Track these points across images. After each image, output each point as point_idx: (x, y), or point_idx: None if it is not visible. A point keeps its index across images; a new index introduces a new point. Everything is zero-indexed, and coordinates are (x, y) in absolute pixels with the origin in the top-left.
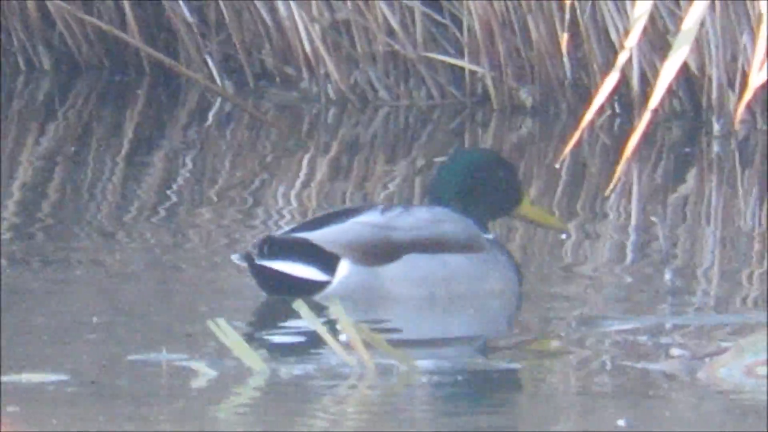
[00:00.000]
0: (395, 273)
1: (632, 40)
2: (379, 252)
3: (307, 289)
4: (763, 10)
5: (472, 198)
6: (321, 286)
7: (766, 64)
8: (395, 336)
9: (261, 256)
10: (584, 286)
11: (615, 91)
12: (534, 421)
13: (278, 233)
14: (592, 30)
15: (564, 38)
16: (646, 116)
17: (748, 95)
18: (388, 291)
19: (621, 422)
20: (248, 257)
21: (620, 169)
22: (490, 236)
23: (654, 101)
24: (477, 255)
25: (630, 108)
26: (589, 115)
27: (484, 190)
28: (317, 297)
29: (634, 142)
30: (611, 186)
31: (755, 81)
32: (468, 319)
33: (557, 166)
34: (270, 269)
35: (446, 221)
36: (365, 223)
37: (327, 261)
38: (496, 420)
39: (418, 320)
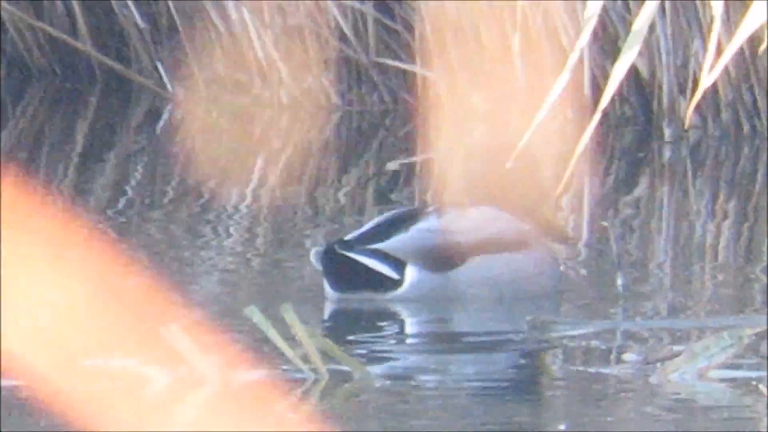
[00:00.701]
0: (465, 277)
1: (583, 41)
2: (446, 257)
3: (380, 287)
4: (715, 13)
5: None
6: (393, 285)
7: (717, 66)
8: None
9: (345, 249)
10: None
11: (567, 96)
12: (481, 425)
13: (349, 241)
14: (544, 35)
15: (515, 41)
16: (596, 118)
17: (697, 97)
18: (459, 294)
19: (562, 427)
20: (329, 251)
21: (568, 172)
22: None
23: (604, 102)
24: (531, 252)
25: (581, 113)
26: (539, 117)
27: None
28: (387, 297)
29: (583, 144)
30: (559, 189)
31: (705, 82)
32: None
33: (508, 165)
34: (350, 262)
35: (498, 220)
36: (426, 229)
37: (399, 265)
38: (444, 425)
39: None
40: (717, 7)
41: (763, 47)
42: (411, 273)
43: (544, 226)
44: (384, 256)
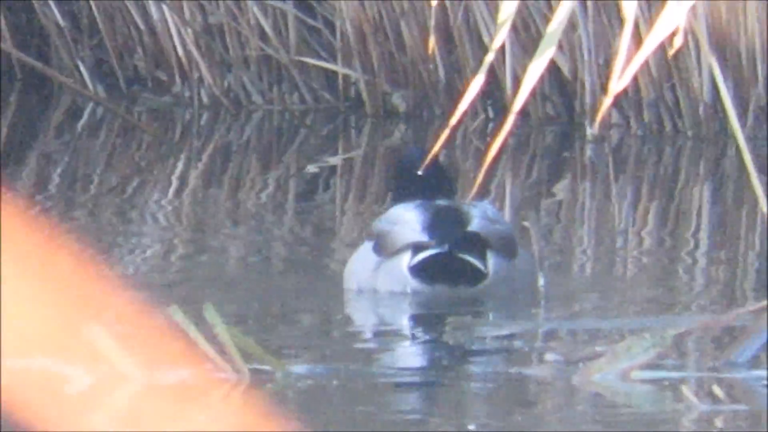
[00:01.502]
0: (522, 265)
1: (498, 41)
2: (508, 245)
3: (471, 281)
4: (628, 15)
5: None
6: (482, 278)
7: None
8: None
9: (456, 249)
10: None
11: (488, 95)
12: (402, 424)
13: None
14: (464, 34)
15: (431, 41)
16: (511, 118)
17: (607, 102)
18: (518, 284)
19: (471, 427)
20: (445, 253)
21: (483, 171)
22: None
23: (519, 101)
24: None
25: (503, 112)
26: (455, 116)
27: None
28: (475, 290)
29: (498, 143)
30: (474, 189)
31: (616, 87)
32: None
33: (419, 173)
34: (463, 260)
35: (499, 214)
36: (487, 218)
37: (483, 255)
38: (364, 424)
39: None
40: (630, 10)
41: (673, 50)
42: (492, 261)
43: None
44: (475, 248)
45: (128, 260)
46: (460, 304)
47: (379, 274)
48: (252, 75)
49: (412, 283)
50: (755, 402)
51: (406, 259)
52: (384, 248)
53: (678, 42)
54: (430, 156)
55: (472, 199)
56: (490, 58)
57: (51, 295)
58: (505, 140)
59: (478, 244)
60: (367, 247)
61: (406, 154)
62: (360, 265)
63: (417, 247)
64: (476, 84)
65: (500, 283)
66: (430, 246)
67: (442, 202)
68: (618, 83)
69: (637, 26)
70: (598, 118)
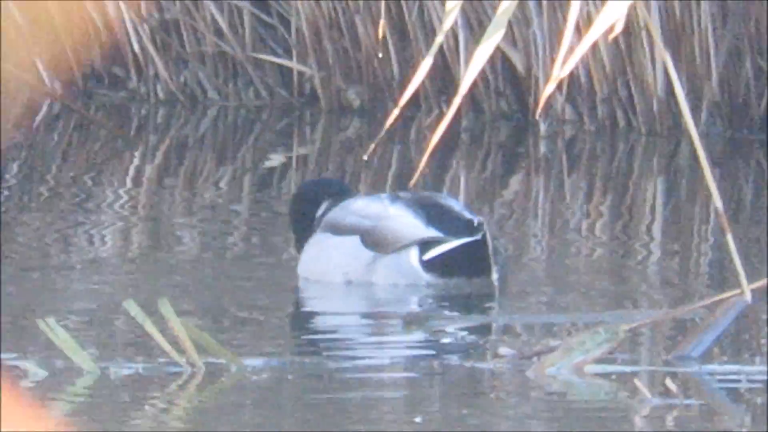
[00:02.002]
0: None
1: (443, 33)
2: (493, 239)
3: (482, 272)
4: (572, 6)
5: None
6: (491, 270)
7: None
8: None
9: (479, 235)
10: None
11: (442, 92)
12: (348, 418)
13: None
14: (419, 30)
15: (381, 25)
16: (455, 103)
17: (546, 92)
18: (500, 278)
19: (417, 419)
20: (476, 241)
21: (422, 164)
22: None
23: (464, 87)
24: None
25: (458, 108)
26: (396, 110)
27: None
28: (490, 279)
29: (440, 133)
30: (414, 179)
31: (557, 75)
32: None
33: (365, 158)
34: (486, 253)
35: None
36: (470, 210)
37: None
38: (314, 420)
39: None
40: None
41: (612, 35)
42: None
43: None
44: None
45: (84, 253)
46: (425, 297)
47: (378, 268)
48: (208, 71)
49: (426, 277)
50: (708, 396)
51: (414, 254)
52: (380, 244)
53: (619, 27)
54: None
55: (413, 186)
56: (439, 40)
57: (6, 288)
58: (458, 134)
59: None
60: (341, 240)
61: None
62: (349, 259)
63: (426, 243)
64: (420, 74)
65: (503, 273)
66: (443, 240)
67: (404, 193)
68: (561, 70)
69: (589, 17)
70: (541, 103)
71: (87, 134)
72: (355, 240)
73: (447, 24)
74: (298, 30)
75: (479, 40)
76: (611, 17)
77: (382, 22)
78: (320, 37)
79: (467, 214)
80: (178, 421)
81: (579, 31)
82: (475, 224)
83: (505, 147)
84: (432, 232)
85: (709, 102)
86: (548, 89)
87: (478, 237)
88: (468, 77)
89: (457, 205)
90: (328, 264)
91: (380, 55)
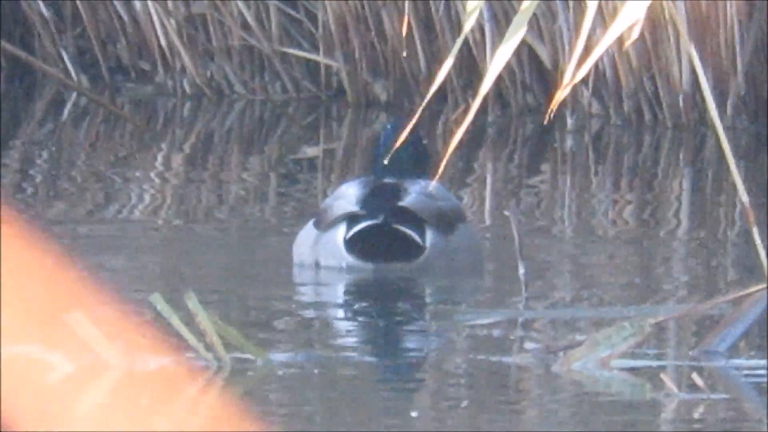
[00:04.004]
0: (458, 241)
1: (468, 25)
2: (445, 221)
3: (407, 255)
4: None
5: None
6: (419, 252)
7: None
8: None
9: (391, 221)
10: (439, 280)
11: (469, 86)
12: (374, 413)
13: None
14: (445, 24)
15: (405, 23)
16: (476, 104)
17: (563, 93)
18: (454, 258)
19: (414, 414)
20: (378, 223)
21: (446, 158)
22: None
23: (484, 88)
24: (473, 226)
25: (485, 102)
26: (428, 97)
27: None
28: (413, 264)
29: (464, 128)
30: (440, 171)
31: (572, 79)
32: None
33: (385, 162)
34: (394, 232)
35: (449, 194)
36: (423, 194)
37: (421, 230)
38: (342, 414)
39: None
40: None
41: (628, 43)
42: (429, 235)
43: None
44: (410, 223)
45: (111, 247)
46: (441, 289)
47: (319, 248)
48: (234, 65)
49: (348, 259)
50: (734, 390)
51: (341, 232)
52: (322, 221)
53: (635, 34)
54: (403, 134)
55: (436, 180)
56: (461, 40)
57: (33, 282)
58: (485, 129)
59: (413, 218)
60: (310, 222)
61: (384, 132)
62: (302, 240)
63: (351, 219)
64: (445, 69)
65: (437, 258)
66: (363, 217)
67: (388, 179)
68: (577, 75)
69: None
70: (553, 106)
71: (113, 128)
72: (310, 222)
73: (468, 24)
74: (325, 24)
75: (505, 32)
76: (628, 21)
77: (405, 19)
78: (347, 30)
79: (410, 198)
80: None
81: (606, 26)
82: (397, 209)
83: (531, 141)
84: (354, 209)
85: (734, 96)
86: (561, 95)
87: (379, 221)
88: (488, 78)
89: (417, 190)
90: (294, 247)
91: (405, 53)
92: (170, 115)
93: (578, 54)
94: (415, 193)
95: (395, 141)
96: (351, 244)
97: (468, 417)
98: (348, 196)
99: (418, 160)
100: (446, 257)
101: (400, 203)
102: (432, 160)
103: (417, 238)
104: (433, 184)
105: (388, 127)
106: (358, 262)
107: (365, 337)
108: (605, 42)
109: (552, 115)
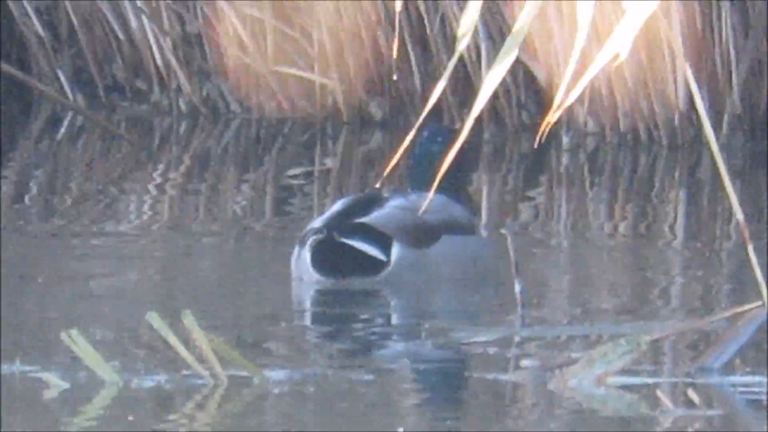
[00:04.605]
0: (439, 253)
1: (462, 45)
2: (423, 234)
3: (368, 270)
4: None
5: (453, 177)
6: (381, 266)
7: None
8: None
9: (340, 235)
10: (434, 298)
11: (464, 105)
12: (370, 430)
13: (339, 219)
14: (440, 43)
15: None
16: (467, 125)
17: (554, 115)
18: (434, 271)
19: (400, 429)
20: (328, 238)
21: (441, 174)
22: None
23: (478, 106)
24: (478, 236)
25: (480, 121)
26: (419, 121)
27: (459, 165)
28: (376, 279)
29: (457, 147)
30: (432, 189)
31: (563, 102)
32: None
33: (377, 186)
34: (343, 248)
35: (449, 205)
36: (401, 207)
37: (384, 244)
38: (339, 430)
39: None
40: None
41: (618, 62)
42: (396, 250)
43: (465, 198)
44: (371, 237)
45: (107, 265)
46: (441, 307)
47: (298, 264)
48: (230, 84)
49: (313, 275)
50: (730, 407)
51: (306, 248)
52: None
53: (624, 55)
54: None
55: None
56: (453, 62)
57: (30, 300)
58: (480, 147)
59: (374, 233)
60: None
61: (418, 142)
62: (293, 257)
63: (313, 235)
64: (439, 88)
65: (408, 273)
66: (318, 233)
67: (416, 192)
68: (568, 98)
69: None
70: (544, 127)
71: (110, 146)
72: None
73: (461, 47)
74: (320, 43)
75: (498, 46)
76: (616, 46)
77: (396, 40)
78: (342, 49)
79: (377, 213)
80: None
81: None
82: (355, 225)
83: (527, 159)
84: (318, 225)
85: (730, 115)
86: (552, 116)
87: (322, 236)
88: (480, 99)
89: (395, 204)
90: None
91: (395, 77)
92: (166, 134)
93: (570, 76)
94: (389, 207)
95: (429, 151)
96: (314, 259)
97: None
98: (327, 212)
99: (451, 171)
100: (420, 271)
101: (362, 219)
102: (470, 170)
103: (374, 252)
104: (430, 196)
105: (424, 135)
106: (321, 277)
107: (360, 354)
108: (595, 66)
109: (543, 137)
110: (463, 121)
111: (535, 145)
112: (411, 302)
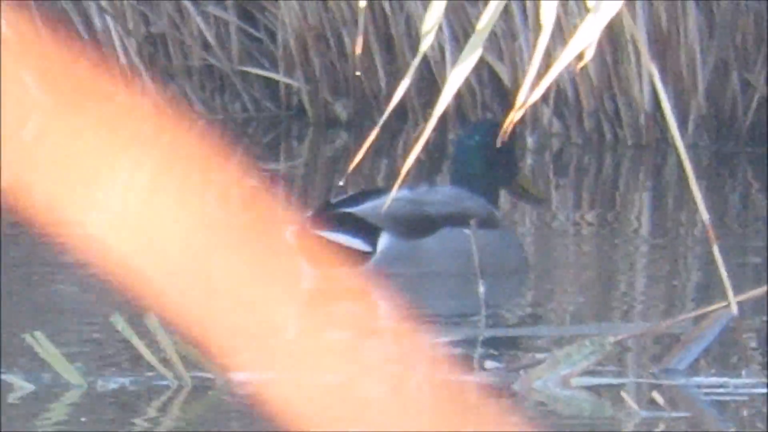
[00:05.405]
0: (433, 245)
1: (424, 46)
2: (418, 225)
3: (352, 260)
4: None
5: (490, 171)
6: (365, 257)
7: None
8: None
9: (317, 227)
10: (409, 295)
11: (429, 105)
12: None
13: (323, 208)
14: (405, 43)
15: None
16: (431, 122)
17: (515, 116)
18: (427, 263)
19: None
20: (302, 230)
21: (403, 174)
22: (499, 213)
23: (441, 104)
24: (495, 231)
25: (445, 121)
26: (380, 121)
27: (498, 162)
28: (361, 269)
29: (418, 149)
30: (395, 188)
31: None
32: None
33: (341, 183)
34: (323, 239)
35: (466, 198)
36: (399, 198)
37: (370, 234)
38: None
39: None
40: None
41: (582, 63)
42: (383, 240)
43: (520, 193)
44: (356, 227)
45: (71, 266)
46: (412, 305)
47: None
48: (195, 84)
49: (304, 265)
50: (694, 408)
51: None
52: None
53: (589, 55)
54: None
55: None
56: (417, 60)
57: None
58: (445, 147)
59: (359, 222)
60: None
61: (465, 131)
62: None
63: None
64: (401, 89)
65: (393, 264)
66: (295, 224)
67: (453, 188)
68: (530, 97)
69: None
70: (506, 127)
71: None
72: None
73: (424, 45)
74: (285, 43)
75: (462, 46)
76: (581, 43)
77: (360, 39)
78: (307, 50)
79: (368, 203)
80: None
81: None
82: (336, 217)
83: None
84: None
85: (695, 115)
86: (514, 117)
87: (295, 226)
88: (443, 100)
89: (398, 195)
90: None
91: (357, 72)
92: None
93: (533, 76)
94: (384, 199)
95: (467, 146)
96: (300, 249)
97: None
98: (334, 199)
99: (489, 167)
100: (410, 263)
101: (350, 209)
102: (511, 166)
103: (354, 243)
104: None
105: (464, 129)
106: (309, 268)
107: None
108: (558, 66)
109: (505, 137)
110: (427, 121)
111: (498, 144)
112: (384, 299)
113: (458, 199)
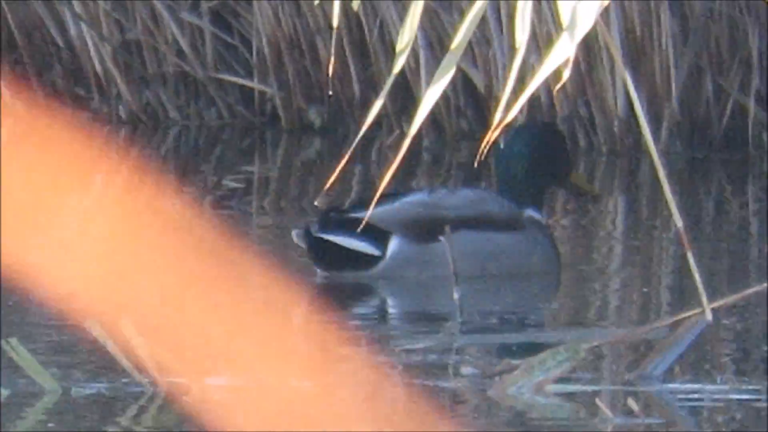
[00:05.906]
0: (443, 249)
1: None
2: (429, 229)
3: (361, 264)
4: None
5: (535, 175)
6: (375, 261)
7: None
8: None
9: (321, 230)
10: (374, 305)
11: (403, 111)
12: None
13: (332, 213)
14: (380, 50)
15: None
16: (412, 131)
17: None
18: (439, 268)
19: None
20: (307, 232)
21: (384, 183)
22: (538, 216)
23: (417, 122)
24: (518, 234)
25: (419, 128)
26: (362, 131)
27: (544, 164)
28: (370, 273)
29: (399, 158)
30: (375, 198)
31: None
32: (514, 296)
33: (316, 203)
34: (329, 242)
35: (488, 200)
36: (414, 202)
37: (380, 238)
38: None
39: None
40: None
41: (559, 85)
42: (393, 244)
43: (570, 188)
44: (366, 231)
45: (45, 273)
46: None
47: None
48: (169, 91)
49: (315, 268)
50: (669, 415)
51: (302, 241)
52: None
53: (566, 75)
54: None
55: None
56: (393, 75)
57: None
58: (419, 154)
59: (370, 226)
60: None
61: (510, 135)
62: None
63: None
64: (381, 97)
65: (403, 268)
66: (303, 227)
67: (492, 194)
68: (507, 115)
69: (549, 36)
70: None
71: (49, 154)
72: None
73: (400, 63)
74: (259, 50)
75: (440, 59)
76: (557, 60)
77: (332, 44)
78: (281, 57)
79: (381, 207)
80: None
81: (540, 52)
82: (346, 221)
83: (466, 166)
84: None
85: (669, 121)
86: (492, 135)
87: (300, 230)
88: (420, 114)
89: (411, 199)
90: None
91: (330, 73)
92: (106, 142)
93: (508, 94)
94: (400, 202)
95: (511, 151)
96: (311, 251)
97: None
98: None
99: (533, 171)
100: (422, 266)
101: (359, 214)
102: (564, 165)
103: (362, 247)
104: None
105: (509, 134)
106: (320, 271)
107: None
108: (534, 84)
109: (483, 154)
110: (401, 129)
111: (476, 164)
112: (374, 305)
113: (479, 201)
